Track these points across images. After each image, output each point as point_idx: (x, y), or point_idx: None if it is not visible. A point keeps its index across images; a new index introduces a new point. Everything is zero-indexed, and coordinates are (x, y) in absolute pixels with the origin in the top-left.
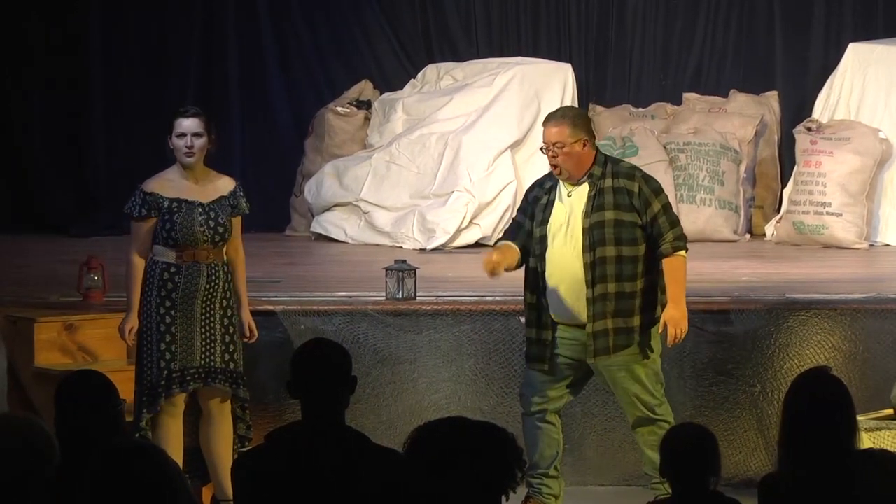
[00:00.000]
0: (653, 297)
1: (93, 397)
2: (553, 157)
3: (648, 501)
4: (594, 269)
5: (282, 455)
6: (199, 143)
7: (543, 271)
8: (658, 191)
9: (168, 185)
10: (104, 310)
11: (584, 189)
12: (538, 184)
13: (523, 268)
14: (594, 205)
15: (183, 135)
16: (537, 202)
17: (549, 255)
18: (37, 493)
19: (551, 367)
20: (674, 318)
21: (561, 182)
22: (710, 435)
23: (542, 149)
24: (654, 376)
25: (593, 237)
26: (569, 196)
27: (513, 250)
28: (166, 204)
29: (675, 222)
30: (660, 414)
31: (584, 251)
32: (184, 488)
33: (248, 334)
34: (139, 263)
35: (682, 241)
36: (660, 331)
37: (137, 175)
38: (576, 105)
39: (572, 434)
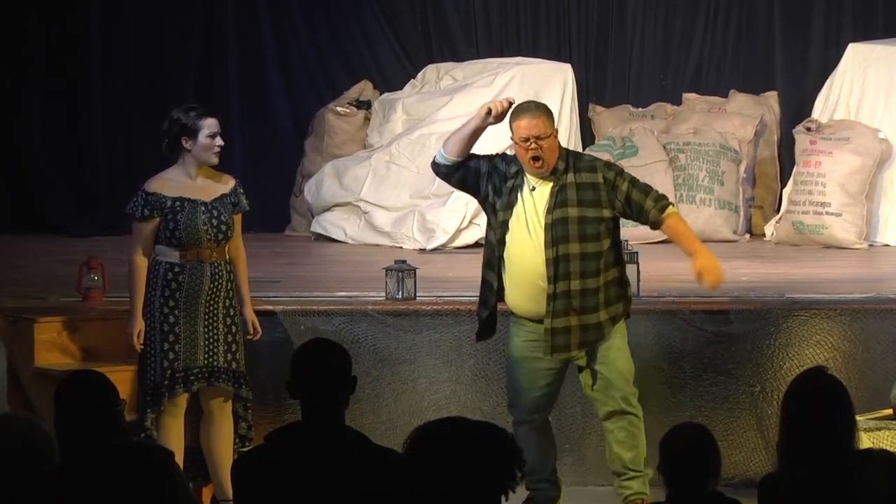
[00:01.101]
0: (616, 291)
1: (93, 397)
2: (536, 149)
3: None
4: (556, 266)
5: (282, 455)
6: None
7: (501, 256)
8: (620, 171)
9: (169, 184)
10: (104, 310)
11: (547, 184)
12: (507, 160)
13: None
14: (557, 201)
15: (215, 134)
16: (505, 180)
17: (508, 248)
18: (37, 493)
19: (530, 372)
20: (705, 265)
21: (527, 174)
22: (709, 435)
23: (518, 143)
24: (628, 360)
25: (556, 233)
26: (532, 190)
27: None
28: (169, 203)
29: (647, 188)
30: (633, 406)
31: (545, 247)
32: (184, 488)
33: (251, 332)
34: (142, 264)
35: (664, 200)
36: (698, 282)
37: (137, 175)
38: (576, 105)
39: (572, 434)
